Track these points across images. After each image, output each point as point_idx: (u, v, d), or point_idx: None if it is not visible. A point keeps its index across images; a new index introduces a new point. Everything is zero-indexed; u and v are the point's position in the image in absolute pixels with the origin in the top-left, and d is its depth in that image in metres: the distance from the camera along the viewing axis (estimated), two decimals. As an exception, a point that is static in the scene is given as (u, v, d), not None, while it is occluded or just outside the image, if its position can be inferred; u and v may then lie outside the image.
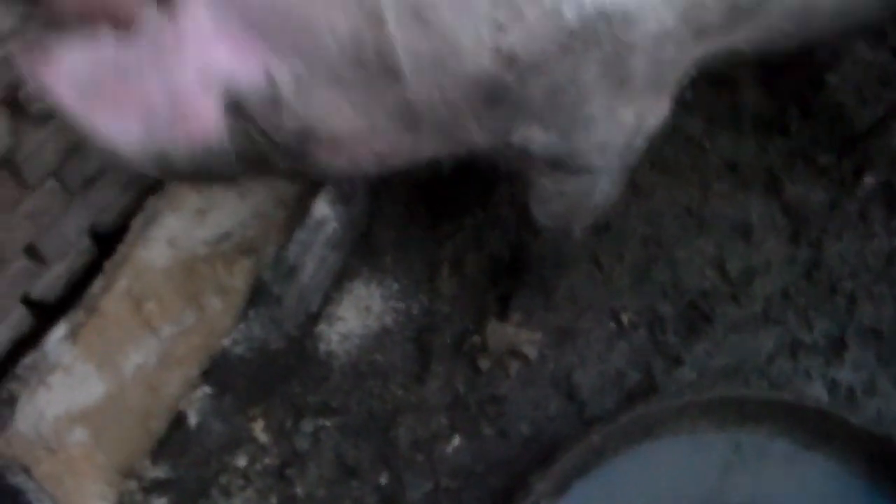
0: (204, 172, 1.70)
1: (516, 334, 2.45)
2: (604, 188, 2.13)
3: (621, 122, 1.90)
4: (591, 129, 1.88)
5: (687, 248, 2.56)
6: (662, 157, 2.64)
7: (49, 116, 2.09)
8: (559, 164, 1.98)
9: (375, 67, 1.65)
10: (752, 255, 2.56)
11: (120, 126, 1.62)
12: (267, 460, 2.36)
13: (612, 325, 2.48)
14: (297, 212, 2.40)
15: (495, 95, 1.71)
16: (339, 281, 2.53)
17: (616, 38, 1.67)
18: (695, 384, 2.36)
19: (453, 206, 2.57)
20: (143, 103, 1.61)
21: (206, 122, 1.64)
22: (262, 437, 2.37)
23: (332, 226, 2.41)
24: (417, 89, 1.69)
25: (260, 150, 1.72)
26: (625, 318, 2.48)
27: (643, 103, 1.91)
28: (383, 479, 2.34)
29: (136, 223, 2.39)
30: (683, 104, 2.51)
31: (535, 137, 1.85)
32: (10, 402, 2.21)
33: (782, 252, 2.56)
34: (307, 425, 2.38)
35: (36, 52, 1.59)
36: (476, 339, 2.45)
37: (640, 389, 2.38)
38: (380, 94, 1.70)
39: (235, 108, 1.65)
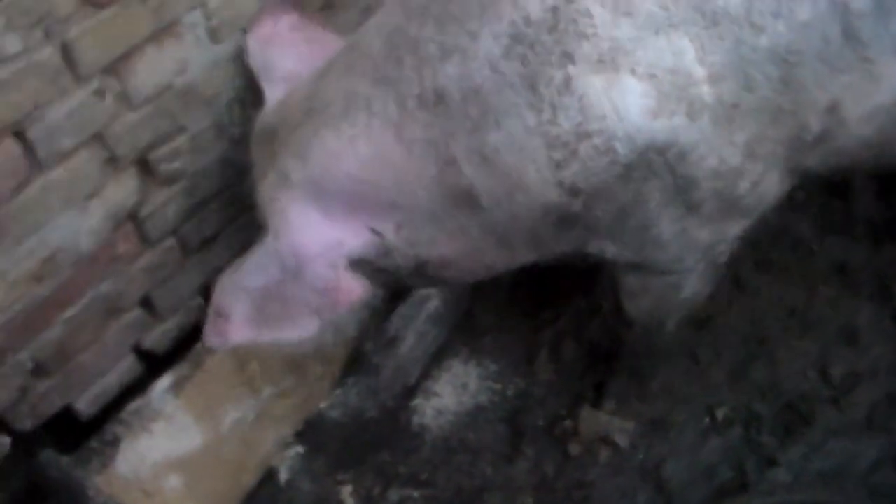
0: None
1: (609, 422, 2.44)
2: (692, 285, 2.15)
3: (696, 239, 1.94)
4: (663, 247, 1.94)
5: (788, 349, 2.52)
6: (769, 257, 2.63)
7: (174, 179, 2.24)
8: (639, 267, 2.04)
9: (460, 202, 1.84)
10: (857, 360, 2.49)
11: (297, 328, 1.98)
12: (352, 525, 2.38)
13: (707, 420, 2.44)
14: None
15: (565, 220, 1.83)
16: (439, 357, 2.58)
17: (674, 170, 1.75)
18: (789, 486, 2.29)
19: (554, 293, 2.61)
20: (303, 306, 1.96)
21: (353, 290, 1.94)
22: (350, 501, 2.40)
23: (434, 303, 2.47)
24: (498, 216, 1.85)
25: (391, 280, 2.02)
26: (720, 414, 2.45)
27: (720, 226, 1.95)
28: (465, 555, 2.33)
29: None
30: (793, 206, 2.53)
31: (609, 250, 1.94)
32: (114, 443, 2.31)
33: (890, 358, 2.49)
34: (394, 494, 2.41)
35: (218, 324, 2.00)
36: (568, 423, 2.45)
37: (731, 487, 2.33)
38: (469, 222, 1.88)
39: (359, 264, 1.94)
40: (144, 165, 2.22)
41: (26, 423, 2.26)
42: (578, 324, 2.60)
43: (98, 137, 2.10)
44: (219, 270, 2.37)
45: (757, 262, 2.60)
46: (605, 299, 2.56)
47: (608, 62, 1.67)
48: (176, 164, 2.26)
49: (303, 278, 1.93)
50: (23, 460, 2.27)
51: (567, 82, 1.68)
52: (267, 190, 1.98)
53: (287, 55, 2.17)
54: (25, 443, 2.28)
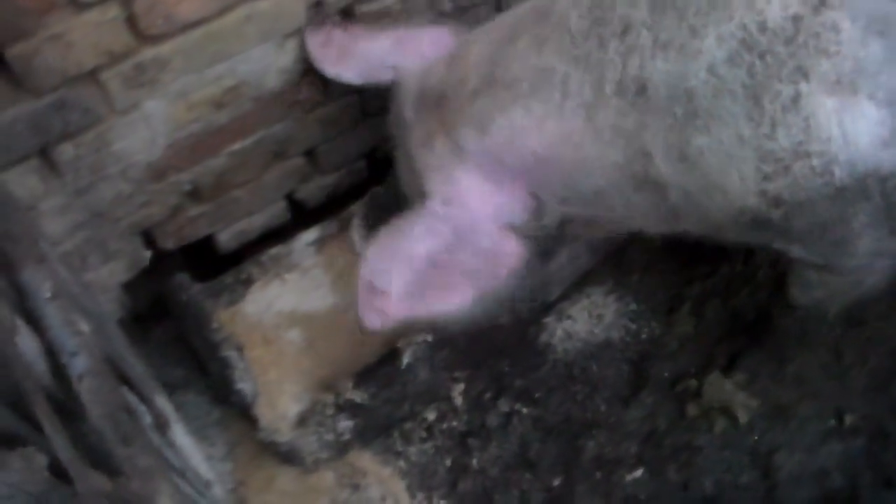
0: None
1: (733, 393, 2.38)
2: (872, 282, 2.05)
3: (890, 250, 1.84)
4: (855, 256, 1.84)
5: (938, 372, 2.42)
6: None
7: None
8: (823, 267, 1.96)
9: (644, 188, 1.78)
10: None
11: (455, 299, 1.95)
12: (454, 423, 2.38)
13: (833, 421, 2.37)
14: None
15: (759, 223, 1.74)
16: (582, 283, 2.52)
17: (889, 197, 1.64)
18: (900, 510, 2.25)
19: (712, 250, 2.49)
20: (465, 274, 1.95)
21: (516, 253, 1.94)
22: (459, 400, 2.39)
23: (594, 228, 2.38)
24: (682, 205, 1.78)
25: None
26: (847, 420, 2.37)
27: None
28: (556, 482, 2.33)
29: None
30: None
31: (797, 251, 1.86)
32: (247, 283, 2.30)
33: None
34: (504, 405, 2.39)
35: (375, 302, 1.95)
36: (693, 383, 2.40)
37: (840, 496, 2.28)
38: (642, 198, 1.81)
39: (515, 228, 1.95)
40: (349, 15, 2.11)
41: (169, 243, 2.23)
42: (728, 287, 2.51)
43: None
44: (387, 139, 2.29)
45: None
46: (766, 271, 2.47)
47: (846, 84, 1.54)
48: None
49: (471, 242, 1.92)
50: (156, 279, 2.25)
51: (795, 100, 1.56)
52: (433, 155, 1.95)
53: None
54: (163, 263, 2.25)
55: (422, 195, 1.98)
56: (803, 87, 1.55)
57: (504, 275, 1.95)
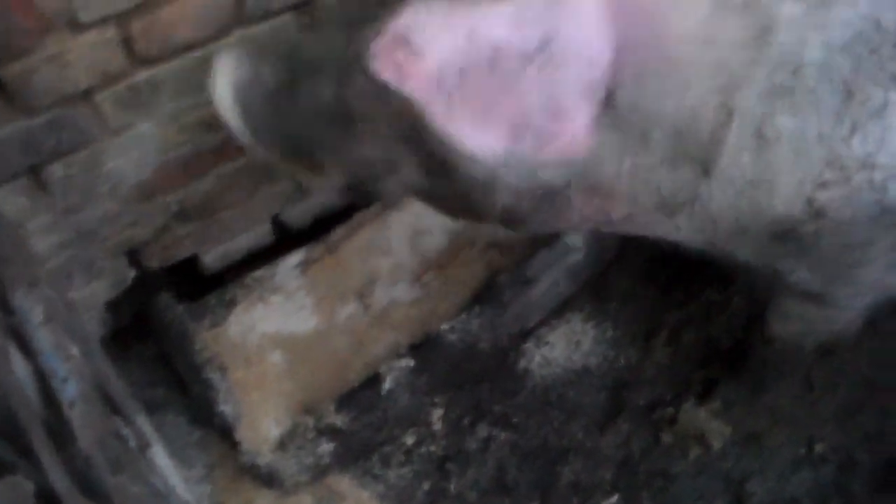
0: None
1: (708, 421, 2.43)
2: (847, 320, 2.11)
3: (885, 284, 1.87)
4: (854, 284, 1.86)
5: (906, 403, 2.48)
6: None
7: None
8: (810, 296, 1.96)
9: (692, 153, 1.59)
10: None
11: (485, 135, 1.49)
12: (433, 448, 2.39)
13: (804, 450, 2.42)
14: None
15: (786, 235, 1.67)
16: (561, 309, 2.54)
17: None
18: (869, 541, 2.30)
19: (690, 278, 2.54)
20: (517, 112, 1.48)
21: (583, 135, 1.53)
22: (438, 425, 2.41)
23: (577, 256, 2.42)
24: (714, 194, 1.63)
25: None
26: (818, 448, 2.42)
27: None
28: (532, 508, 2.34)
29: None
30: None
31: (798, 273, 1.83)
32: (231, 304, 2.31)
33: None
34: (482, 430, 2.41)
35: (399, 54, 1.47)
36: (669, 411, 2.44)
37: (810, 524, 2.32)
38: (674, 173, 1.62)
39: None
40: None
41: (154, 262, 2.23)
42: (706, 316, 2.55)
43: (306, 6, 2.00)
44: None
45: (901, 309, 2.53)
46: (743, 301, 2.51)
47: None
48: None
49: (554, 72, 1.48)
50: (139, 297, 2.25)
51: (883, 107, 1.51)
52: None
53: None
54: (146, 282, 2.25)
55: None
56: (893, 95, 1.50)
57: (551, 152, 1.53)
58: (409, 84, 1.46)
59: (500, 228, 1.79)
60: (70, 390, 1.46)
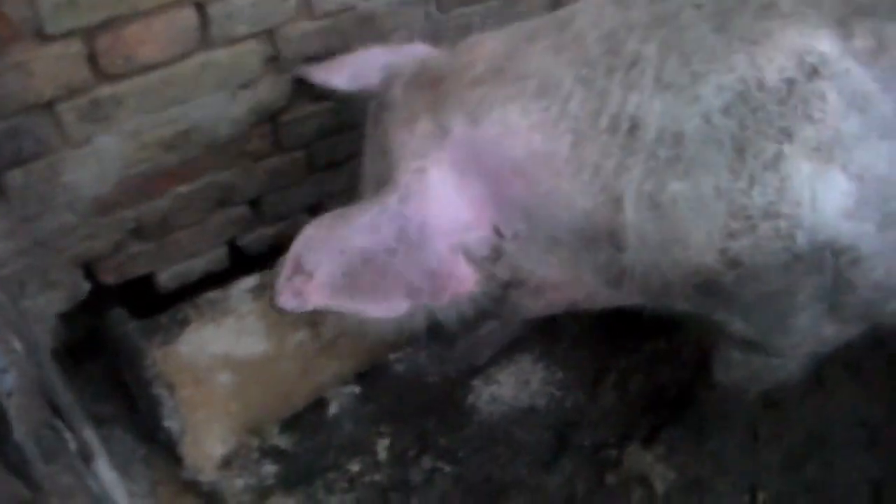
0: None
1: (652, 464, 2.44)
2: (790, 370, 2.14)
3: (821, 334, 1.93)
4: (789, 334, 1.92)
5: (847, 458, 2.49)
6: (859, 363, 2.59)
7: (326, 96, 2.23)
8: (751, 345, 2.03)
9: (599, 240, 1.77)
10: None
11: (384, 305, 1.81)
12: (377, 477, 2.40)
13: (747, 497, 2.43)
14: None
15: (710, 287, 1.78)
16: (511, 348, 2.57)
17: (839, 273, 1.71)
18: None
19: (639, 326, 2.57)
20: (405, 283, 1.79)
21: (465, 280, 1.82)
22: (383, 454, 2.42)
23: (527, 295, 2.45)
24: (636, 262, 1.78)
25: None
26: (760, 497, 2.43)
27: (847, 328, 1.93)
28: (475, 542, 2.34)
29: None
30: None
31: (735, 323, 1.91)
32: (183, 323, 2.35)
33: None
34: (427, 462, 2.42)
35: (297, 281, 1.76)
36: (613, 453, 2.45)
37: (750, 572, 2.32)
38: (594, 256, 1.80)
39: (469, 258, 1.83)
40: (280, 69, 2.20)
41: (109, 277, 2.28)
42: (653, 363, 2.58)
43: (269, 34, 2.10)
44: (332, 196, 2.37)
45: (846, 363, 2.56)
46: (689, 350, 2.54)
47: (824, 151, 1.62)
48: (333, 82, 2.23)
49: (418, 254, 1.77)
50: (93, 312, 2.29)
51: (776, 159, 1.63)
52: (412, 137, 1.83)
53: None
54: (101, 297, 2.29)
55: (384, 184, 1.82)
56: (786, 148, 1.62)
57: (447, 298, 1.81)
58: (310, 302, 1.77)
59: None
60: (8, 381, 1.50)
